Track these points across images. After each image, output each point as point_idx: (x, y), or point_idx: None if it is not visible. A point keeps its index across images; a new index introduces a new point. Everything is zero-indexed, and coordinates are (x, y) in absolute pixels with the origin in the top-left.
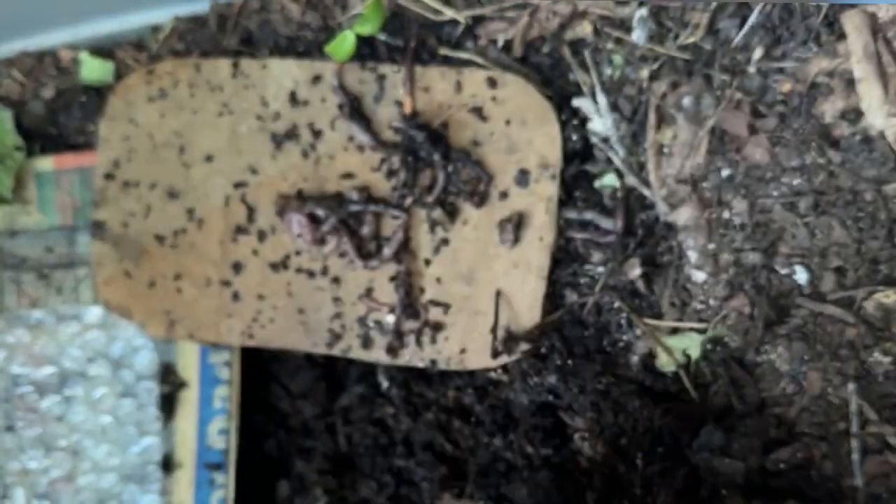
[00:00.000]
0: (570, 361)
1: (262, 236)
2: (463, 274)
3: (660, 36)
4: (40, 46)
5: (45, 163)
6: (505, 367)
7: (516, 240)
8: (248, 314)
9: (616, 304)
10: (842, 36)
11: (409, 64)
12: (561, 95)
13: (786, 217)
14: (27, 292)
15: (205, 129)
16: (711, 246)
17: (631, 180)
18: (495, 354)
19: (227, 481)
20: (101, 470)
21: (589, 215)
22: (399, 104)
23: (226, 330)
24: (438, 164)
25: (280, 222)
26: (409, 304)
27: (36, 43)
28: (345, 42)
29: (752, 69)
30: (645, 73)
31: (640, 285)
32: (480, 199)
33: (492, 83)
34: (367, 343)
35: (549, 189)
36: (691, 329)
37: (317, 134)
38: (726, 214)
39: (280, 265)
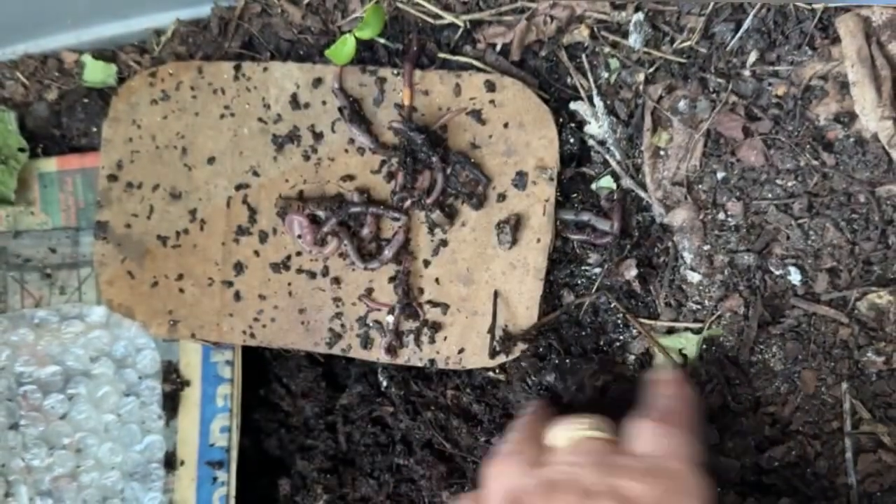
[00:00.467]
0: (567, 361)
1: (263, 237)
2: (461, 275)
3: (656, 40)
4: (44, 49)
5: (49, 164)
6: (503, 367)
7: (514, 241)
8: (249, 314)
9: (612, 305)
10: (836, 39)
11: (410, 56)
12: (558, 99)
13: (780, 218)
14: (31, 292)
15: (207, 131)
16: (706, 247)
17: (627, 182)
18: (493, 354)
19: (228, 479)
20: (104, 468)
21: (586, 217)
22: (399, 106)
23: (227, 329)
24: (437, 166)
25: (281, 223)
26: (408, 305)
27: (40, 45)
28: (345, 45)
29: (746, 72)
30: (641, 76)
31: (636, 286)
32: (479, 201)
33: (490, 87)
34: (366, 343)
35: (546, 191)
36: (687, 329)
37: (318, 136)
38: (721, 216)
39: (281, 266)
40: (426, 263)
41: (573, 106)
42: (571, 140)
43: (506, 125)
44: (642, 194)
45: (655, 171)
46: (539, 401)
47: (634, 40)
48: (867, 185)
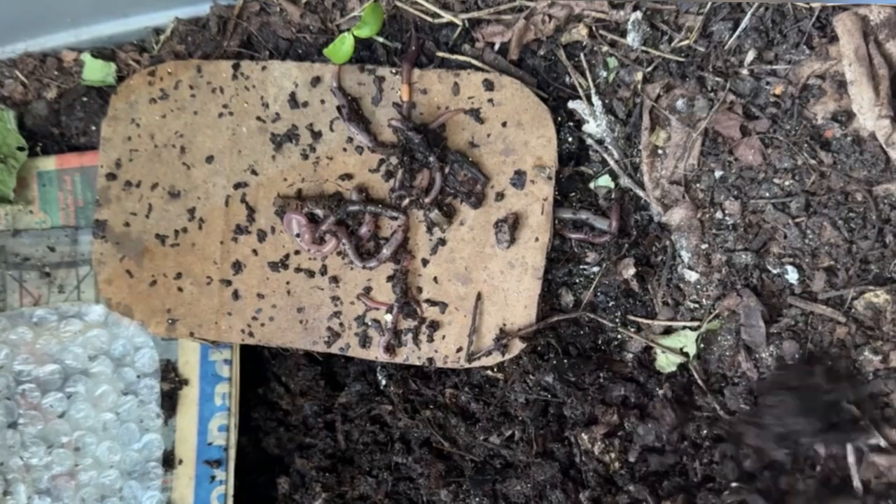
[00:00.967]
0: (565, 360)
1: (261, 236)
2: (460, 273)
3: (654, 39)
4: (43, 47)
5: (48, 163)
6: (501, 366)
7: (512, 240)
8: (247, 313)
9: (610, 304)
10: (833, 38)
11: (409, 55)
12: (556, 98)
13: (777, 217)
14: (30, 291)
15: (205, 129)
16: (704, 246)
17: (625, 181)
18: (470, 359)
19: (226, 477)
20: (102, 466)
21: (584, 216)
22: (398, 105)
23: (226, 328)
24: (435, 165)
25: (279, 222)
26: (407, 303)
27: (39, 44)
28: (344, 44)
29: (744, 71)
30: (639, 75)
31: (634, 285)
32: (477, 200)
33: (489, 86)
34: (365, 341)
35: (544, 190)
36: (685, 327)
37: (316, 135)
38: (719, 215)
39: (279, 264)
40: (424, 262)
41: (571, 105)
42: (570, 139)
43: (504, 124)
44: (640, 193)
45: (653, 170)
46: None
47: (633, 39)
48: (864, 184)
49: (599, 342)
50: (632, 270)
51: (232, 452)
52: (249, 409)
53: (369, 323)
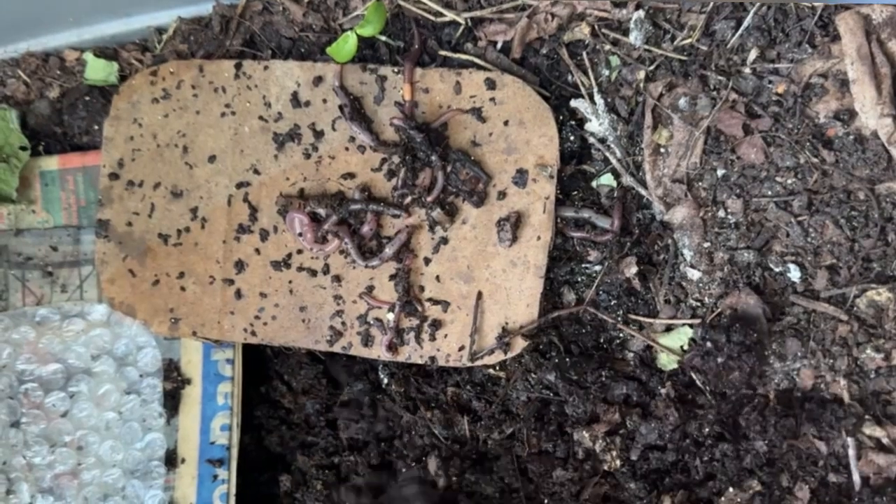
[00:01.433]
0: (567, 358)
1: (264, 235)
2: (462, 272)
3: (656, 38)
4: (45, 47)
5: (50, 162)
6: (503, 364)
7: (514, 239)
8: (250, 312)
9: (612, 302)
10: (836, 37)
11: (412, 54)
12: (559, 96)
13: (780, 216)
14: (32, 290)
15: (208, 129)
16: (706, 244)
17: (627, 180)
18: (473, 358)
19: (229, 476)
20: (105, 465)
21: (586, 214)
22: (400, 104)
23: (228, 327)
24: (438, 164)
25: (282, 221)
26: (409, 302)
27: (41, 43)
28: (346, 43)
29: (747, 70)
30: (641, 74)
31: (636, 283)
32: (479, 199)
33: (490, 84)
34: (367, 340)
35: (546, 189)
36: (686, 325)
37: (318, 134)
38: (721, 213)
39: (282, 264)
40: (427, 261)
41: (574, 103)
42: (572, 138)
43: (506, 123)
44: (642, 192)
45: (656, 169)
46: None
47: (635, 38)
48: (867, 183)
49: (601, 341)
50: (634, 269)
51: (234, 451)
52: (252, 408)
53: (371, 322)
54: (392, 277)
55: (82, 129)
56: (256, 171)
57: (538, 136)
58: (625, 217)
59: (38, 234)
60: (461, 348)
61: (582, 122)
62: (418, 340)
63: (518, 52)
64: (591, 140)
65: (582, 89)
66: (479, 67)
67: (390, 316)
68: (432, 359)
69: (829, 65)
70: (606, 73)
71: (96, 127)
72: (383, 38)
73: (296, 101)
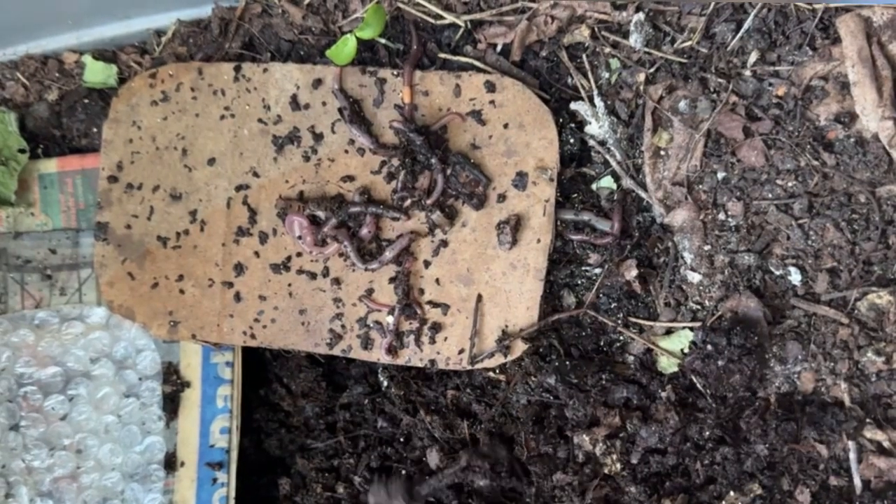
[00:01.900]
0: (567, 361)
1: (263, 238)
2: (462, 275)
3: (656, 40)
4: (44, 49)
5: (49, 165)
6: (503, 367)
7: (514, 241)
8: (249, 315)
9: (612, 305)
10: (836, 40)
11: (411, 57)
12: (559, 99)
13: (780, 219)
14: (31, 293)
15: (207, 132)
16: (707, 247)
17: (627, 183)
18: (473, 361)
19: (228, 480)
20: (104, 469)
21: (586, 217)
22: (399, 107)
23: (228, 330)
24: (437, 167)
25: (281, 224)
26: (409, 305)
27: (40, 46)
28: (346, 46)
29: (747, 73)
30: (641, 76)
31: (637, 286)
32: (479, 202)
33: (490, 87)
34: (367, 343)
35: (546, 191)
36: (686, 328)
37: (318, 137)
38: (721, 216)
39: (281, 266)
40: (426, 264)
41: (574, 106)
42: (572, 140)
43: (506, 126)
44: (643, 194)
45: (656, 172)
46: None
47: (635, 40)
48: (867, 186)
49: (601, 344)
50: (634, 272)
51: (234, 454)
52: (251, 411)
53: (371, 325)
54: (392, 280)
55: (81, 132)
56: (256, 174)
57: (538, 139)
58: (625, 220)
59: (37, 237)
60: (461, 351)
61: (582, 124)
62: (418, 343)
63: (518, 54)
64: (591, 143)
65: (582, 92)
66: (479, 70)
67: (390, 319)
68: (432, 362)
69: (829, 67)
70: (606, 75)
71: (95, 129)
72: (383, 40)
73: (295, 103)
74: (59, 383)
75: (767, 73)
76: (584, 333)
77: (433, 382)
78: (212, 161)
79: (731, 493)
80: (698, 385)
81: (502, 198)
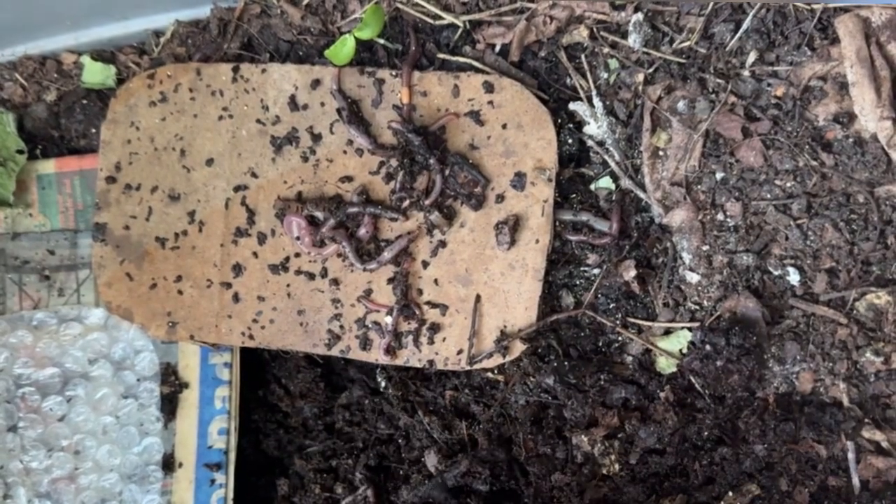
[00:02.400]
0: (566, 362)
1: (261, 239)
2: (460, 275)
3: (655, 40)
4: (43, 50)
5: (47, 166)
6: (501, 368)
7: (513, 242)
8: (248, 315)
9: (611, 306)
10: (835, 40)
11: (410, 58)
12: (557, 99)
13: (779, 219)
14: (29, 294)
15: (205, 132)
16: (705, 247)
17: (626, 183)
18: (471, 361)
19: (226, 481)
20: (102, 470)
21: (584, 217)
22: (397, 108)
23: (226, 331)
24: (436, 167)
25: (280, 225)
26: (407, 306)
27: (38, 47)
28: (344, 46)
29: (746, 73)
30: (640, 77)
31: (635, 286)
32: (477, 202)
33: (489, 87)
34: (365, 344)
35: (545, 192)
36: (684, 328)
37: (316, 138)
38: (720, 216)
39: (280, 267)
40: (425, 264)
41: (572, 106)
42: (570, 141)
43: (504, 126)
44: (641, 195)
45: (654, 172)
46: None
47: (634, 41)
48: (866, 186)
49: (600, 344)
50: (633, 272)
51: (232, 456)
52: (249, 412)
53: (370, 325)
54: (390, 281)
55: (79, 133)
56: (254, 175)
57: (536, 140)
58: (623, 220)
59: (35, 238)
60: (459, 352)
61: (580, 125)
62: (416, 344)
63: (516, 55)
64: (590, 143)
65: (580, 92)
66: (478, 70)
67: (388, 319)
68: (431, 362)
69: (828, 67)
70: (605, 76)
71: (93, 130)
72: (381, 41)
73: (293, 104)
74: (57, 384)
75: (766, 74)
76: (582, 334)
77: (432, 383)
78: (210, 162)
79: (730, 493)
80: (697, 385)
81: (501, 198)
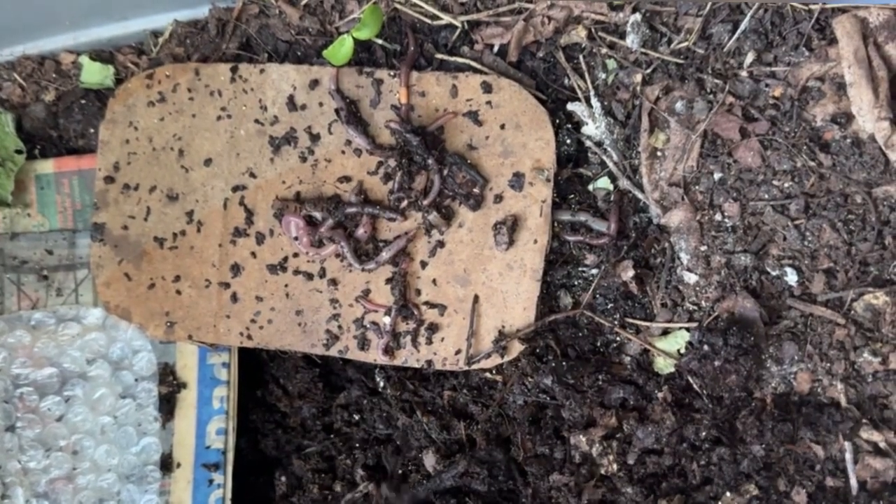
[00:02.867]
0: (564, 362)
1: (260, 239)
2: (458, 276)
3: (653, 41)
4: (41, 50)
5: (46, 165)
6: (500, 368)
7: (511, 242)
8: (246, 315)
9: (609, 306)
10: (833, 40)
11: (408, 58)
12: (555, 100)
13: (777, 219)
14: (28, 294)
15: (204, 132)
16: (703, 248)
17: (624, 183)
18: (469, 361)
19: (224, 481)
20: (100, 470)
21: (583, 218)
22: (396, 108)
23: (224, 331)
24: (434, 167)
25: (278, 225)
26: (405, 306)
27: (37, 47)
28: (343, 46)
29: (743, 73)
30: (638, 77)
31: (633, 287)
32: (475, 202)
33: (487, 88)
34: (363, 344)
35: (543, 192)
36: (682, 328)
37: (314, 138)
38: (718, 217)
39: (278, 267)
40: (423, 265)
41: (570, 107)
42: (568, 141)
43: (503, 126)
44: (639, 195)
45: (652, 172)
46: None
47: (632, 41)
48: (864, 186)
49: (598, 344)
50: (631, 272)
51: (230, 456)
52: (247, 412)
53: (368, 325)
54: (388, 281)
55: (78, 133)
56: (252, 175)
57: (535, 140)
58: (621, 220)
59: (34, 238)
60: (458, 352)
61: (578, 125)
62: (415, 344)
63: (515, 55)
64: (588, 143)
65: (579, 93)
66: (476, 71)
67: (387, 319)
68: (429, 362)
69: (825, 68)
70: (603, 76)
71: (92, 130)
72: (380, 41)
73: (292, 104)
74: (55, 384)
75: (764, 74)
76: (580, 334)
77: (430, 383)
78: (208, 162)
79: (728, 493)
80: (695, 385)
81: (499, 198)
